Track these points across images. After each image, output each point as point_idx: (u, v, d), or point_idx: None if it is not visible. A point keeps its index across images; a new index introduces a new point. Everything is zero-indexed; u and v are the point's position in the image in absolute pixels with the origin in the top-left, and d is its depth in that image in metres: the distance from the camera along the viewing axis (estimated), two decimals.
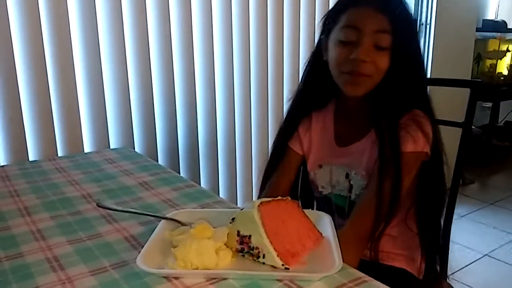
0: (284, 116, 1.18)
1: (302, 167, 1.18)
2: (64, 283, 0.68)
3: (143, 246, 0.74)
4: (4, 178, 1.10)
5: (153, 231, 0.79)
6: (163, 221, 0.82)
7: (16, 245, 0.79)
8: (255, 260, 0.72)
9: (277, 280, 0.68)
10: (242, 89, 2.08)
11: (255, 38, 2.07)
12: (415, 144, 0.95)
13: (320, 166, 1.11)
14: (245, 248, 0.72)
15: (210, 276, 0.69)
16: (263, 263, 0.71)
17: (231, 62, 2.00)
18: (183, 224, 0.81)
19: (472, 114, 1.26)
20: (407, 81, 0.97)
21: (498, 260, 2.36)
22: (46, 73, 1.52)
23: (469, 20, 3.02)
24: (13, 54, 1.44)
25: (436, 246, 1.14)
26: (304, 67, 1.11)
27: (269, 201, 0.76)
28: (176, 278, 0.69)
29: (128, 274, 0.70)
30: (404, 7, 0.96)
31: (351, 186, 1.07)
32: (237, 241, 0.73)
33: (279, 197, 0.79)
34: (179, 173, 1.94)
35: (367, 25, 0.93)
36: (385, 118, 0.96)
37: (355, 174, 1.05)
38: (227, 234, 0.75)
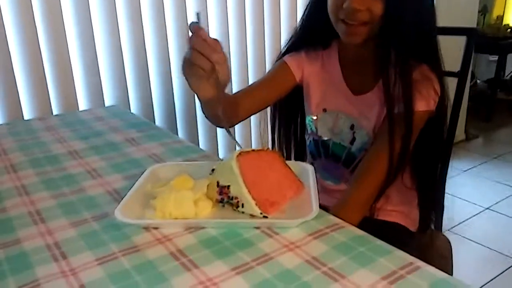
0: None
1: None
2: (44, 235, 0.68)
3: None
4: None
5: None
6: (144, 174, 0.82)
7: (0, 200, 0.80)
8: (234, 209, 0.72)
9: (255, 228, 0.68)
10: (238, 44, 2.04)
11: None
12: (427, 102, 0.93)
13: (325, 110, 1.07)
14: (224, 198, 0.72)
15: (188, 225, 0.69)
16: (243, 212, 0.71)
17: (226, 16, 1.96)
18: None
19: (468, 63, 1.22)
20: (407, 29, 0.91)
21: (499, 213, 2.37)
22: (37, 32, 1.50)
23: None
24: (1, 15, 1.42)
25: (432, 199, 1.14)
26: (306, 4, 1.06)
27: (249, 151, 0.75)
28: (155, 228, 0.69)
29: (108, 225, 0.71)
30: None
31: (354, 139, 1.04)
32: (216, 191, 0.73)
33: (260, 148, 0.78)
34: (176, 132, 1.94)
35: None
36: (395, 71, 0.92)
37: (361, 127, 1.03)
38: (208, 185, 0.75)
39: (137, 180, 0.80)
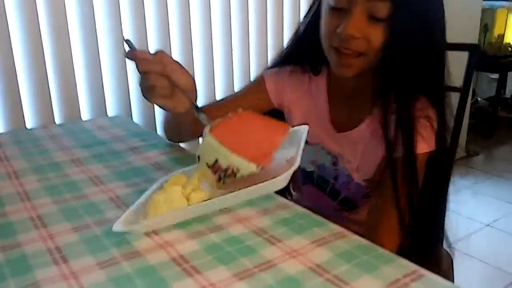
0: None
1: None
2: (45, 239, 0.68)
3: (128, 206, 0.73)
4: None
5: (139, 192, 0.78)
6: (152, 187, 0.80)
7: (1, 205, 0.79)
8: (234, 179, 0.70)
9: (257, 234, 0.68)
10: (241, 55, 2.06)
11: (254, 7, 2.04)
12: (427, 144, 0.84)
13: (306, 142, 1.01)
14: (220, 174, 0.70)
15: (177, 217, 0.69)
16: (241, 177, 0.69)
17: (229, 28, 1.98)
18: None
19: (470, 79, 1.23)
20: (413, 64, 0.81)
21: (500, 230, 2.36)
22: (41, 42, 1.51)
23: None
24: (7, 23, 1.43)
25: (427, 237, 1.03)
26: (302, 21, 0.96)
27: (220, 121, 0.72)
28: (156, 233, 0.69)
29: (110, 230, 0.69)
30: None
31: (337, 175, 0.98)
32: (211, 172, 0.71)
33: (229, 114, 0.74)
34: None
35: None
36: (396, 113, 0.82)
37: (343, 166, 0.96)
38: (202, 173, 0.72)
39: (141, 189, 0.80)
